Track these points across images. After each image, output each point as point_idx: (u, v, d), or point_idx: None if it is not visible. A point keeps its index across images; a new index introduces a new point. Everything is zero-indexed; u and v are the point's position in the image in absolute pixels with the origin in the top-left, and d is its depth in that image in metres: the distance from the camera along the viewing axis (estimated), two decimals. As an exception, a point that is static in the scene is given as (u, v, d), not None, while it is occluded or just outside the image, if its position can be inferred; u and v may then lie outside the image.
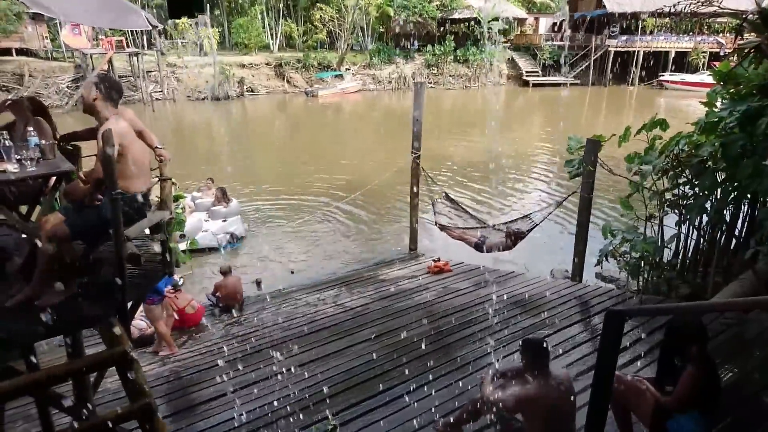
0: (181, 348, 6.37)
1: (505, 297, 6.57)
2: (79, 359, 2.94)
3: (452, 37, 38.72)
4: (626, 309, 3.16)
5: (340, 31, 37.26)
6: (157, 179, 3.54)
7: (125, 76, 29.21)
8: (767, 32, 4.91)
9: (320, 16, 37.14)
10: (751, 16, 5.38)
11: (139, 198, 3.17)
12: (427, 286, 7.24)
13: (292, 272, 9.19)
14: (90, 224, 2.99)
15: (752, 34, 5.60)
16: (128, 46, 29.73)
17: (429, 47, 38.25)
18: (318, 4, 37.46)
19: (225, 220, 10.52)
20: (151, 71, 30.06)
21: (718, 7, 6.01)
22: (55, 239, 2.85)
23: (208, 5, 33.45)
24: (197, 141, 22.42)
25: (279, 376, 4.76)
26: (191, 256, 5.97)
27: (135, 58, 28.82)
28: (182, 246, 7.19)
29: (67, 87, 27.46)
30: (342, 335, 5.69)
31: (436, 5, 37.85)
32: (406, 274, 7.96)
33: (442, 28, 39.37)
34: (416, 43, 38.49)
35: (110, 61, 27.57)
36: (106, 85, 3.08)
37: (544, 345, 3.16)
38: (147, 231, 3.52)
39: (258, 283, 8.55)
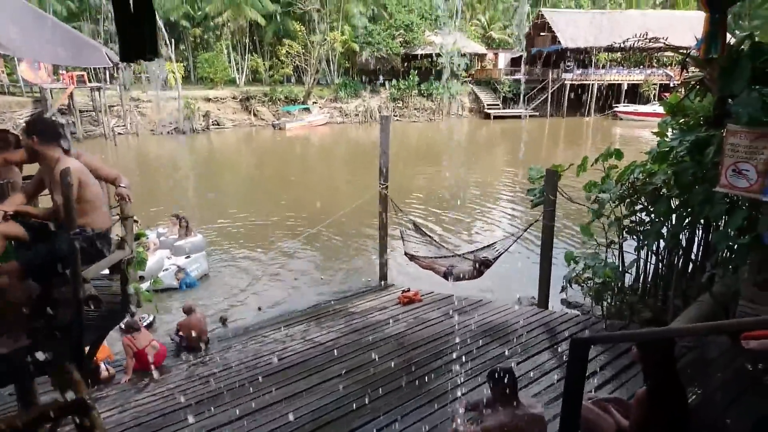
0: (142, 392, 6.10)
1: (474, 326, 6.59)
2: (33, 408, 2.78)
3: (416, 72, 39.78)
4: (590, 337, 3.22)
5: (307, 65, 37.76)
6: (118, 217, 3.46)
7: (87, 111, 28.68)
8: (708, 67, 5.23)
9: (286, 51, 37.63)
10: (693, 52, 5.74)
11: (98, 237, 3.09)
12: (397, 317, 7.20)
13: (260, 308, 8.98)
14: (45, 265, 2.89)
15: (695, 68, 5.96)
16: (90, 81, 29.23)
17: (394, 81, 39.11)
18: (284, 39, 38.00)
19: (188, 257, 10.26)
20: (113, 105, 29.59)
21: (664, 43, 6.40)
22: (8, 286, 2.74)
23: (172, 41, 33.49)
24: (160, 175, 22.01)
25: (246, 418, 4.60)
26: (154, 295, 5.80)
27: (97, 93, 28.36)
28: (144, 286, 6.98)
29: (25, 122, 26.66)
30: (311, 372, 5.56)
31: (400, 42, 38.91)
32: (377, 305, 7.91)
33: (406, 64, 40.46)
34: (381, 77, 39.37)
35: (71, 96, 27.05)
36: (38, 128, 3.08)
37: (510, 375, 3.17)
38: (107, 271, 3.41)
39: (223, 320, 8.31)
